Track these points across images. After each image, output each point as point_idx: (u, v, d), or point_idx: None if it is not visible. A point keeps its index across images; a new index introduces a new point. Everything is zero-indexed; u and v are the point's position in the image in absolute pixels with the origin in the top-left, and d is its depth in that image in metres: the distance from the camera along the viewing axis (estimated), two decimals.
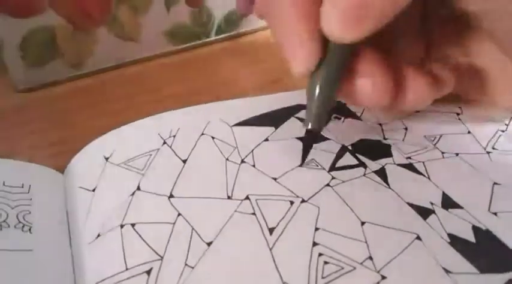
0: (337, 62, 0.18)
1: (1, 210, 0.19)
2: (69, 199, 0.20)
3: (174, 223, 0.17)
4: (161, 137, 0.21)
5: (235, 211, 0.18)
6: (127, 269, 0.16)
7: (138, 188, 0.19)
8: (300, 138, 0.21)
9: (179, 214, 0.18)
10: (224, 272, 0.16)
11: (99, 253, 0.17)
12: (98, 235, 0.18)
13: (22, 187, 0.20)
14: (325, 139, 0.21)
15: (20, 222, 0.19)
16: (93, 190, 0.20)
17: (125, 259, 0.17)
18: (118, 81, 0.31)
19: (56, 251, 0.18)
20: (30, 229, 0.19)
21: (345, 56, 0.18)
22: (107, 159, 0.21)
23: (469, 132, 0.22)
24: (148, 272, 0.16)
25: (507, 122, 0.23)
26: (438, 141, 0.22)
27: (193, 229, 0.17)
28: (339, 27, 0.16)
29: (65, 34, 0.29)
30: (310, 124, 0.19)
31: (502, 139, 0.22)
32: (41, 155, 0.25)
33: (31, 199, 0.20)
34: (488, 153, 0.21)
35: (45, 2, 0.27)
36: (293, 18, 0.17)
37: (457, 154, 0.21)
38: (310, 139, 0.20)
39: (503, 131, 0.22)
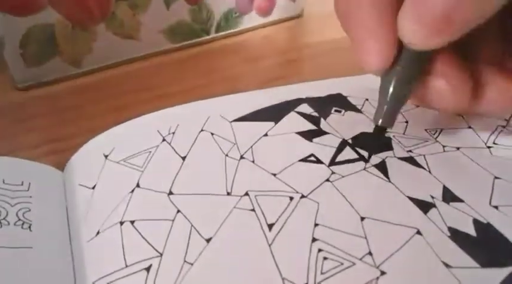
0: (413, 64, 0.18)
1: (1, 207, 0.19)
2: (69, 197, 0.20)
3: (173, 220, 0.17)
4: (160, 134, 0.21)
5: (235, 207, 0.18)
6: (126, 266, 0.16)
7: (138, 185, 0.19)
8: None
9: (178, 211, 0.18)
10: (223, 269, 0.16)
11: (98, 250, 0.17)
12: (98, 232, 0.18)
13: (22, 184, 0.20)
14: (325, 133, 0.21)
15: (19, 219, 0.19)
16: (93, 188, 0.20)
17: (124, 256, 0.17)
18: (118, 79, 0.31)
19: (55, 249, 0.18)
20: (30, 227, 0.19)
21: (421, 59, 0.18)
22: (106, 156, 0.21)
23: (469, 127, 0.22)
24: (148, 269, 0.16)
25: (507, 118, 0.22)
26: (439, 134, 0.21)
27: (192, 225, 0.17)
28: (420, 40, 0.16)
29: (64, 32, 0.29)
30: (380, 121, 0.19)
31: (502, 135, 0.21)
32: (41, 153, 0.25)
33: (31, 197, 0.20)
34: (489, 147, 0.21)
35: (44, 0, 0.27)
36: (372, 20, 0.17)
37: (458, 148, 0.21)
38: (377, 135, 0.20)
39: (503, 126, 0.22)
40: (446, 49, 0.17)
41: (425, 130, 0.22)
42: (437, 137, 0.21)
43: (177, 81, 0.31)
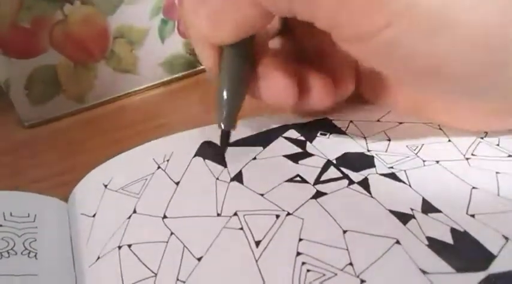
0: (234, 65, 0.21)
1: (9, 238, 0.20)
2: (73, 226, 0.22)
3: (167, 242, 0.19)
4: (156, 162, 0.23)
5: (224, 227, 0.19)
6: None
7: (134, 211, 0.20)
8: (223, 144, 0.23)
9: (172, 233, 0.19)
10: None
11: (99, 274, 0.19)
12: (98, 258, 0.19)
13: (28, 216, 0.22)
14: (310, 155, 0.22)
15: (26, 249, 0.20)
16: (93, 216, 0.21)
17: (122, 278, 0.18)
18: (118, 112, 0.33)
19: (59, 275, 0.20)
20: (35, 255, 0.20)
21: (237, 61, 0.21)
22: (105, 185, 0.22)
23: (449, 141, 0.23)
24: None
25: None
26: (420, 150, 0.22)
27: (184, 246, 0.18)
28: (205, 30, 0.20)
29: (66, 71, 0.31)
30: (223, 125, 0.21)
31: (481, 146, 0.22)
32: (47, 186, 0.27)
33: (36, 228, 0.21)
34: (467, 159, 0.22)
35: (46, 43, 0.29)
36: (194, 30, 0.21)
37: (437, 162, 0.22)
38: (224, 138, 0.23)
39: (482, 138, 0.23)
40: (272, 54, 0.22)
41: (407, 146, 0.23)
42: (417, 152, 0.22)
43: (177, 110, 0.32)
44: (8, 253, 0.20)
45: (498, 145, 0.22)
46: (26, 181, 0.27)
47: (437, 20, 0.15)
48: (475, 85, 0.17)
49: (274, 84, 0.21)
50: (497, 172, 0.20)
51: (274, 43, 0.24)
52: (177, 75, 0.35)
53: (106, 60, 0.32)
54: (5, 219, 0.21)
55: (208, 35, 0.20)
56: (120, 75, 0.33)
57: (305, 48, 0.24)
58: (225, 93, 0.21)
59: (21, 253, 0.20)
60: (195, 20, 0.20)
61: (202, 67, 0.36)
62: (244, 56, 0.21)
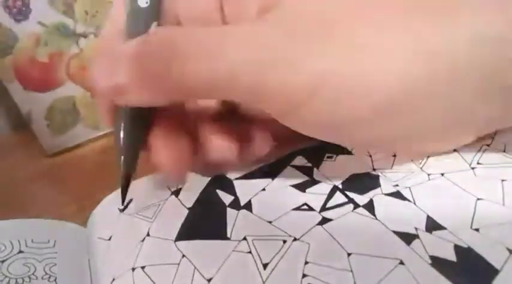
0: (119, 123, 0.21)
1: (30, 264, 0.21)
2: (90, 249, 0.23)
3: (178, 264, 0.19)
4: (169, 189, 0.24)
5: (233, 250, 0.20)
6: None
7: (148, 234, 0.21)
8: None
9: (183, 256, 0.20)
10: None
11: None
12: (113, 279, 0.20)
13: (48, 242, 0.23)
14: (317, 182, 0.23)
15: (46, 273, 0.21)
16: (109, 239, 0.22)
17: None
18: None
19: None
20: (55, 280, 0.21)
21: (123, 117, 0.20)
22: (121, 210, 0.23)
23: (454, 150, 0.23)
24: None
25: (493, 135, 0.23)
26: (425, 163, 0.23)
27: (195, 268, 0.19)
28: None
29: (84, 101, 0.33)
30: (122, 171, 0.21)
31: (486, 154, 0.22)
32: (68, 212, 0.28)
33: (56, 253, 0.22)
34: (472, 168, 0.22)
35: (63, 75, 0.31)
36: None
37: (442, 174, 0.22)
38: (124, 183, 0.22)
39: (488, 145, 0.23)
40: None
41: (412, 160, 0.23)
42: (422, 166, 0.22)
43: None
44: (29, 278, 0.21)
45: (504, 151, 0.22)
46: (48, 208, 0.29)
47: (357, 88, 0.16)
48: (404, 135, 0.19)
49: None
50: (502, 180, 0.20)
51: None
52: None
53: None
54: (26, 246, 0.22)
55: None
56: None
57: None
58: (121, 141, 0.21)
59: (42, 278, 0.21)
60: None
61: None
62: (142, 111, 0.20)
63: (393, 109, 0.17)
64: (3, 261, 0.21)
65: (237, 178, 0.24)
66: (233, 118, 0.22)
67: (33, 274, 0.21)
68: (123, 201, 0.22)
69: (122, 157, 0.21)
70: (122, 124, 0.21)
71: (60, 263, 0.22)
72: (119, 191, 0.25)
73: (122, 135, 0.21)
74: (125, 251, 0.21)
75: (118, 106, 0.20)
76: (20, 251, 0.22)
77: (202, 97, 0.18)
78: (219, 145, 0.21)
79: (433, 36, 0.16)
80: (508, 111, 0.19)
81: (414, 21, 0.16)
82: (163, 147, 0.20)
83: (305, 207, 0.21)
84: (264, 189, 0.23)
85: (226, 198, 0.23)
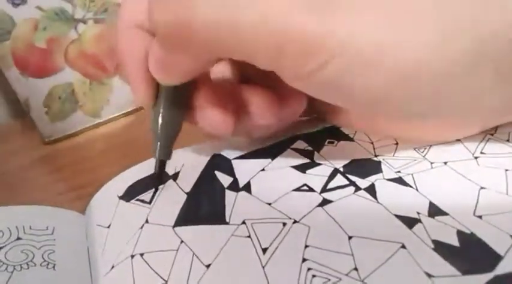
0: (171, 98, 0.21)
1: (28, 251, 0.21)
2: (89, 237, 0.22)
3: (177, 250, 0.19)
4: (168, 173, 0.23)
5: (232, 235, 0.19)
6: None
7: (147, 221, 0.21)
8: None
9: (182, 242, 0.19)
10: None
11: (113, 282, 0.19)
12: (112, 266, 0.20)
13: (47, 229, 0.23)
14: (317, 164, 0.23)
15: (45, 261, 0.21)
16: (108, 227, 0.22)
17: None
18: (133, 125, 0.34)
19: None
20: (54, 266, 0.21)
21: (174, 94, 0.21)
22: (120, 197, 0.23)
23: (458, 140, 0.23)
24: None
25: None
26: (428, 151, 0.22)
27: (194, 254, 0.19)
28: (155, 74, 0.20)
29: (83, 88, 0.32)
30: (157, 155, 0.22)
31: (490, 143, 0.22)
32: (66, 199, 0.28)
33: (55, 240, 0.22)
34: (476, 158, 0.21)
35: (62, 61, 0.30)
36: (131, 68, 0.21)
37: (445, 163, 0.21)
38: (161, 168, 0.23)
39: (492, 135, 0.23)
40: (205, 83, 0.21)
41: (414, 149, 0.23)
42: (425, 154, 0.22)
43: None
44: (28, 264, 0.20)
45: (508, 140, 0.22)
46: (46, 195, 0.28)
47: (371, 58, 0.16)
48: (415, 111, 0.18)
49: (211, 117, 0.21)
50: (506, 170, 0.20)
51: (216, 68, 0.24)
52: None
53: (120, 75, 0.33)
54: (24, 233, 0.22)
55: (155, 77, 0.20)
56: None
57: (247, 69, 0.23)
58: (159, 125, 0.21)
59: (40, 265, 0.21)
60: None
61: None
62: (182, 91, 0.21)
63: (413, 85, 0.17)
64: (0, 248, 0.21)
65: (235, 158, 0.24)
66: (238, 84, 0.22)
67: (31, 261, 0.21)
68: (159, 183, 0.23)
69: (159, 143, 0.22)
70: (161, 110, 0.21)
71: (58, 251, 0.22)
72: (117, 178, 0.24)
73: (160, 120, 0.21)
74: (124, 238, 0.21)
75: (159, 89, 0.21)
76: (18, 238, 0.22)
77: (226, 54, 0.17)
78: (260, 107, 0.21)
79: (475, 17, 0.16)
80: None
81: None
82: (208, 105, 0.21)
83: (305, 187, 0.21)
84: (263, 169, 0.23)
85: (225, 180, 0.22)
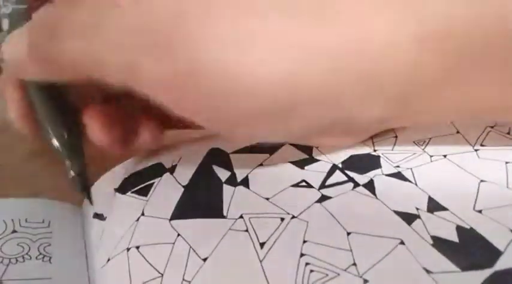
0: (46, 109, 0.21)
1: (24, 244, 0.21)
2: (86, 229, 0.22)
3: (173, 243, 0.19)
4: (164, 166, 0.23)
5: (229, 229, 0.19)
6: None
7: (143, 214, 0.21)
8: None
9: (178, 235, 0.19)
10: None
11: (109, 275, 0.19)
12: (108, 259, 0.20)
13: (43, 222, 0.22)
14: (316, 160, 0.22)
15: (40, 254, 0.21)
16: (104, 219, 0.22)
17: (130, 278, 0.18)
18: None
19: (73, 277, 0.20)
20: (50, 259, 0.21)
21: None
22: (116, 190, 0.23)
23: (457, 132, 0.22)
24: None
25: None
26: (427, 144, 0.22)
27: (190, 247, 0.19)
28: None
29: None
30: (72, 173, 0.21)
31: (490, 136, 0.22)
32: (63, 192, 0.28)
33: (51, 232, 0.22)
34: (476, 150, 0.21)
35: None
36: None
37: (445, 156, 0.21)
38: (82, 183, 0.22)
39: (492, 127, 0.22)
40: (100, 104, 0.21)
41: (414, 142, 0.23)
42: (425, 148, 0.22)
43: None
44: (23, 258, 0.20)
45: (509, 133, 0.22)
46: (44, 187, 0.28)
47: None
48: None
49: (96, 133, 0.21)
50: (506, 162, 0.20)
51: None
52: None
53: None
54: (20, 225, 0.22)
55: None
56: None
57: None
58: (56, 144, 0.21)
59: (36, 258, 0.21)
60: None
61: None
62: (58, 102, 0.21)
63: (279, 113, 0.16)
64: None
65: (233, 152, 0.24)
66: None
67: (27, 254, 0.21)
68: (90, 201, 0.22)
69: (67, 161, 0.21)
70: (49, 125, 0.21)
71: (54, 243, 0.21)
72: (114, 170, 0.24)
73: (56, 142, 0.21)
74: (119, 231, 0.21)
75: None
76: (14, 231, 0.22)
77: (80, 76, 0.17)
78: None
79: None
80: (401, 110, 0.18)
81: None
82: (95, 125, 0.21)
83: (303, 183, 0.21)
84: (261, 164, 0.23)
85: (223, 174, 0.22)
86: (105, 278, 0.19)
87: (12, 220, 0.22)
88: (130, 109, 0.23)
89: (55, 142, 0.21)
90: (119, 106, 0.22)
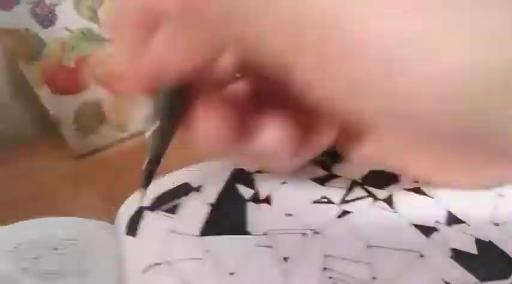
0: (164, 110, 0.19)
1: (62, 261, 0.22)
2: (119, 246, 0.23)
3: (202, 258, 0.20)
4: (191, 186, 0.24)
5: (254, 245, 0.20)
6: None
7: (172, 230, 0.22)
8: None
9: (206, 250, 0.20)
10: None
11: None
12: (140, 274, 0.21)
13: (79, 239, 0.24)
14: (336, 176, 0.23)
15: (77, 270, 0.22)
16: (135, 236, 0.23)
17: None
18: None
19: None
20: (86, 275, 0.22)
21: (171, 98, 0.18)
22: (146, 208, 0.24)
23: None
24: None
25: None
26: None
27: (218, 262, 0.20)
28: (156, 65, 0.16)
29: (109, 103, 0.34)
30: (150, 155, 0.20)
31: None
32: (97, 211, 0.29)
33: (86, 249, 0.23)
34: None
35: (90, 79, 0.32)
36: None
37: None
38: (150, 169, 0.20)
39: None
40: (208, 96, 0.18)
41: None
42: None
43: None
44: (62, 274, 0.22)
45: None
46: (78, 206, 0.30)
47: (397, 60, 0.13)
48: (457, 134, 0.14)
49: (204, 127, 0.18)
50: None
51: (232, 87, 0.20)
52: None
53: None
54: (58, 243, 0.23)
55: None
56: None
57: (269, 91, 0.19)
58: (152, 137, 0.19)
59: (73, 274, 0.22)
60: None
61: None
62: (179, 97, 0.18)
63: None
64: (36, 258, 0.22)
65: (256, 171, 0.25)
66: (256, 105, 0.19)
67: (65, 270, 0.22)
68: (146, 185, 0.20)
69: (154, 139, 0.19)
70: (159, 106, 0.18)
71: (90, 260, 0.23)
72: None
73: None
74: (150, 247, 0.22)
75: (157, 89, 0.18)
76: (54, 248, 0.23)
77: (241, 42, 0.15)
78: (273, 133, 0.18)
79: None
80: None
81: None
82: (207, 116, 0.18)
83: (324, 199, 0.22)
84: (284, 182, 0.24)
85: (247, 192, 0.23)
86: None
87: (51, 237, 0.24)
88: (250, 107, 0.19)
89: (148, 135, 0.19)
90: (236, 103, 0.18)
